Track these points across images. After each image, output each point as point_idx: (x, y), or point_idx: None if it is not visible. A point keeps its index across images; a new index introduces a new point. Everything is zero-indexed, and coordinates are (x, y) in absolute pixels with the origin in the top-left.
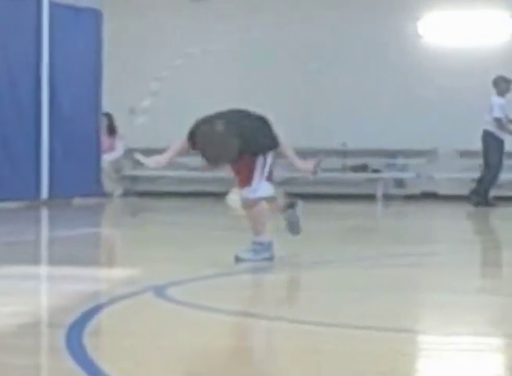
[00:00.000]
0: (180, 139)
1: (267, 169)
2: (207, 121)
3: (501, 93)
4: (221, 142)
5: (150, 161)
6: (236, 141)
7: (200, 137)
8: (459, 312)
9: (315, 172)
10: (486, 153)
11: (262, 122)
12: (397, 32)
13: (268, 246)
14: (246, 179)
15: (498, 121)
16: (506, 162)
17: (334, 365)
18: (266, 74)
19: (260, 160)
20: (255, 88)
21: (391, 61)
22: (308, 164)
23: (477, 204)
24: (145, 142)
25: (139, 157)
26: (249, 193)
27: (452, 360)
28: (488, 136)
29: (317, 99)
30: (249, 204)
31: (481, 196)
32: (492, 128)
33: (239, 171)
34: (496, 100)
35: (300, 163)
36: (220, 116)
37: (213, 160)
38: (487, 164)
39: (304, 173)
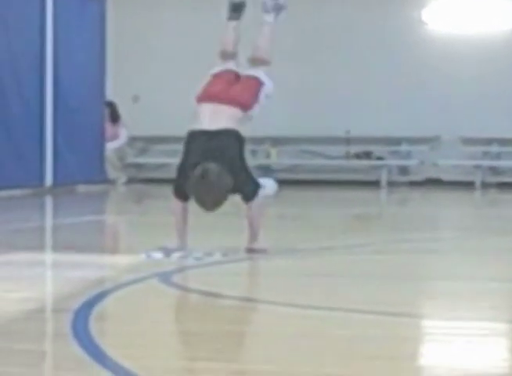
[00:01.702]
0: (173, 202)
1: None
2: (187, 168)
3: None
4: (217, 188)
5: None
6: (230, 180)
7: (192, 187)
8: (464, 297)
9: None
10: None
11: (241, 146)
12: (401, 19)
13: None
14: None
15: None
16: (504, 149)
17: (338, 349)
18: None
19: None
20: None
21: (395, 48)
22: (260, 243)
23: None
24: (148, 130)
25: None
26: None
27: (457, 345)
28: None
29: (320, 86)
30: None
31: None
32: None
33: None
34: None
35: (254, 235)
36: (199, 159)
37: (209, 208)
38: None
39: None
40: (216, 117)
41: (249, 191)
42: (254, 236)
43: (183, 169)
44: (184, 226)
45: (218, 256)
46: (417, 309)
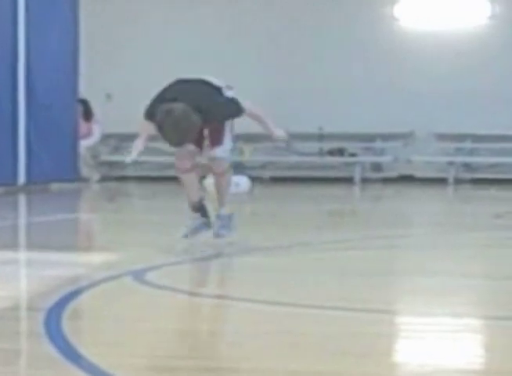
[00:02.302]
0: (141, 123)
1: (232, 130)
2: (162, 101)
3: None
4: (182, 125)
5: (134, 152)
6: (196, 119)
7: (159, 123)
8: (437, 294)
9: (286, 140)
10: None
11: (219, 92)
12: (373, 15)
13: (233, 217)
14: (217, 140)
15: None
16: (478, 145)
17: (312, 346)
18: (241, 57)
19: (227, 123)
20: (230, 71)
21: (367, 44)
22: (280, 131)
23: None
24: (121, 127)
25: (127, 158)
26: (222, 152)
27: (431, 341)
28: None
29: (293, 83)
30: (222, 167)
31: None
32: None
33: (209, 134)
34: None
35: (273, 128)
36: (175, 94)
37: (176, 144)
38: None
39: (277, 140)
40: None
41: (228, 112)
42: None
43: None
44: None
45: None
46: (391, 305)
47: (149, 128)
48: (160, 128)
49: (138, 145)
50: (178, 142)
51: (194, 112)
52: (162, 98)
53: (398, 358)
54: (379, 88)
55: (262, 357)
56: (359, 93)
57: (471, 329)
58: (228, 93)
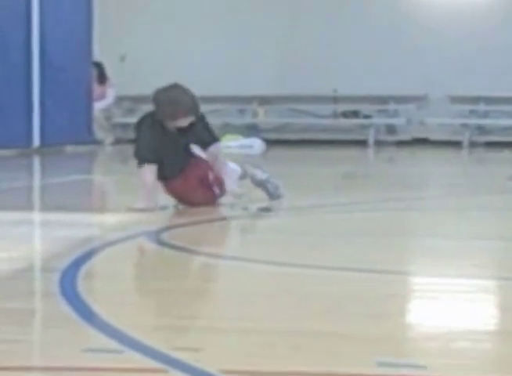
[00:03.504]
0: (139, 171)
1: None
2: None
3: None
4: (176, 94)
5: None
6: (190, 98)
7: (154, 99)
8: (449, 255)
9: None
10: None
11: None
12: None
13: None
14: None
15: None
16: (492, 107)
17: (322, 307)
18: (256, 19)
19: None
20: (243, 35)
21: (381, 6)
22: (234, 187)
23: None
24: (135, 89)
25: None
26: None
27: (444, 302)
28: None
29: (307, 45)
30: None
31: None
32: None
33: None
34: None
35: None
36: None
37: (169, 116)
38: None
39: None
40: None
41: (206, 137)
42: (227, 176)
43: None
44: (154, 188)
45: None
46: (403, 266)
47: (151, 176)
48: (164, 103)
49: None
50: (171, 114)
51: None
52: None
53: (411, 319)
54: (393, 51)
55: (274, 317)
56: (374, 55)
57: (485, 290)
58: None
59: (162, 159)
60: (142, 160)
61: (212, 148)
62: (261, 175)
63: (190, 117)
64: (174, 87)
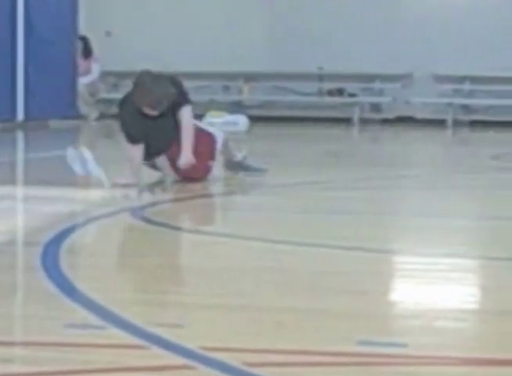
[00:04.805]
0: (127, 147)
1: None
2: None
3: None
4: (160, 80)
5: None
6: (167, 89)
7: (137, 84)
8: (435, 234)
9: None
10: None
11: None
12: None
13: None
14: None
15: None
16: (477, 87)
17: (307, 284)
18: None
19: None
20: (229, 11)
21: None
22: (189, 158)
23: None
24: (120, 65)
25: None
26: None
27: (425, 280)
28: None
29: (292, 22)
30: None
31: None
32: None
33: None
34: None
35: (185, 151)
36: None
37: (155, 102)
38: None
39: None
40: None
41: (178, 99)
42: (187, 148)
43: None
44: (138, 163)
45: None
46: (389, 244)
47: (138, 153)
48: (138, 88)
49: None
50: (157, 100)
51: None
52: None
53: (394, 297)
54: (379, 29)
55: (257, 294)
56: (360, 33)
57: (468, 269)
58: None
59: (147, 137)
60: (129, 139)
61: (183, 110)
62: (239, 155)
63: (157, 109)
64: (155, 77)
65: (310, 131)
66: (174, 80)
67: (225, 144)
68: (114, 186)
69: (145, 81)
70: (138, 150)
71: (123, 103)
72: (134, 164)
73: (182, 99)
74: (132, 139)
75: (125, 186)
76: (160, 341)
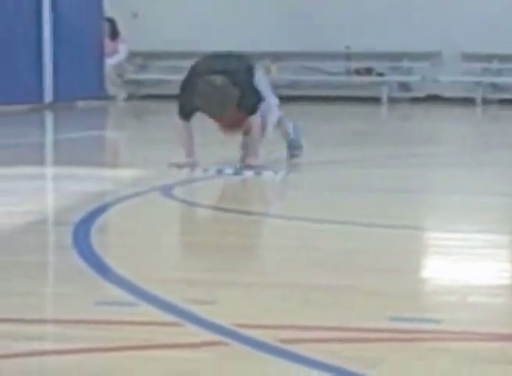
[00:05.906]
0: (176, 125)
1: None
2: (200, 74)
3: None
4: (222, 96)
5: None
6: (235, 92)
7: (200, 94)
8: (465, 211)
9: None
10: None
11: (251, 72)
12: None
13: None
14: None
15: None
16: (505, 66)
17: (337, 261)
18: None
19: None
20: None
21: None
22: (254, 162)
23: None
24: (147, 45)
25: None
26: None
27: (456, 257)
28: None
29: (320, 1)
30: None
31: None
32: None
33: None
34: None
35: (253, 154)
36: (213, 66)
37: (215, 115)
38: None
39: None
40: None
41: (249, 105)
42: (254, 153)
43: (186, 86)
44: (191, 142)
45: (228, 171)
46: (419, 221)
47: (188, 127)
48: (200, 98)
49: (189, 150)
50: (217, 113)
51: (231, 85)
52: (201, 70)
53: (426, 274)
54: (407, 7)
55: (287, 271)
56: (387, 11)
57: (500, 245)
58: (259, 74)
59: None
60: (183, 116)
61: (252, 118)
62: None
63: (216, 118)
64: (217, 82)
65: (339, 110)
66: (236, 76)
67: (280, 121)
68: (171, 166)
69: (202, 92)
70: (187, 129)
71: (186, 83)
72: (186, 143)
73: (247, 100)
74: (185, 115)
75: (182, 166)
76: (192, 318)
